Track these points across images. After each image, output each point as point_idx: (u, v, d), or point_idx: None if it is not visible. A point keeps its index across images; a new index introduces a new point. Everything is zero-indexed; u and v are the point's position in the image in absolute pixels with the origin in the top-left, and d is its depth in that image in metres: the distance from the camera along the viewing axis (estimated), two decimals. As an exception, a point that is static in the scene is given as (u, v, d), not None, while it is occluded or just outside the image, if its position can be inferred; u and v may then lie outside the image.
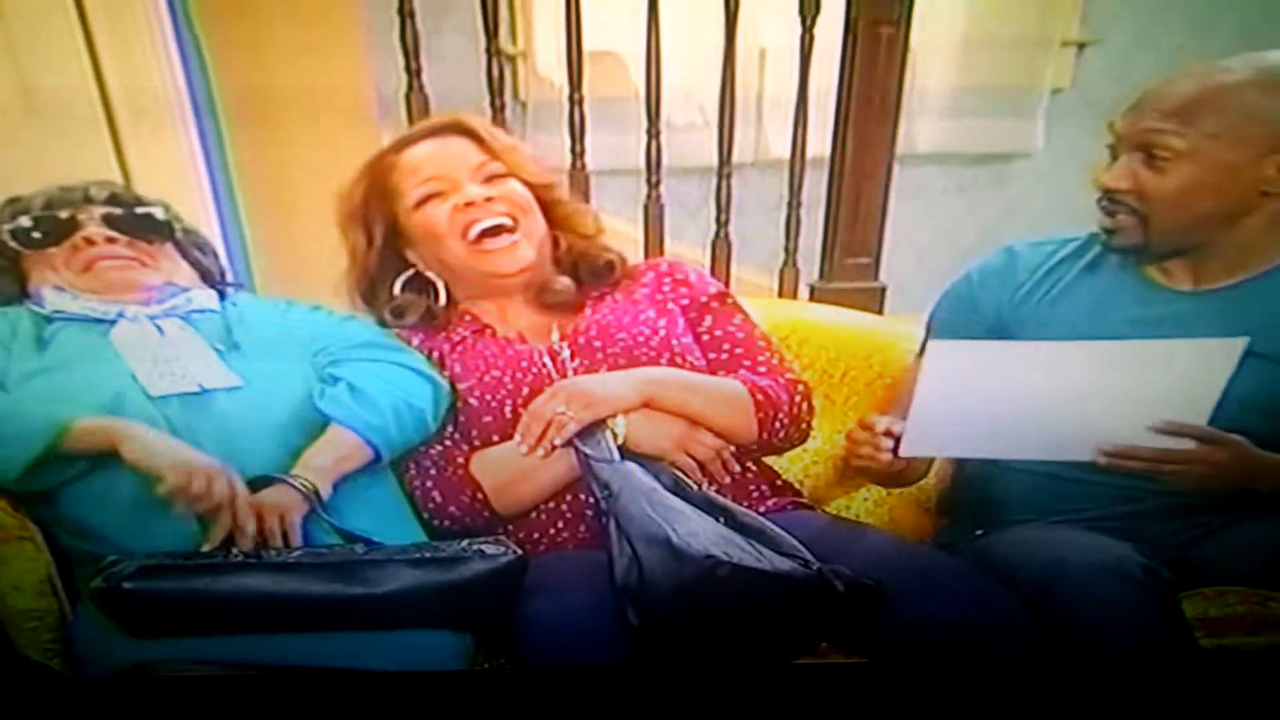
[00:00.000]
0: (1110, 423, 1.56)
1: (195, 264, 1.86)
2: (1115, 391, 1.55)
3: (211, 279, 1.88)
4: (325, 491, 1.58)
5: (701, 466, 1.74)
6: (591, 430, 1.67)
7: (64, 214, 1.76)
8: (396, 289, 1.89)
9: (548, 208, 1.89)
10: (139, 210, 1.80)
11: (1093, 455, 1.57)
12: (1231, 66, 1.61)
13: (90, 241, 1.74)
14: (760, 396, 1.79)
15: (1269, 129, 1.58)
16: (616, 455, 1.65)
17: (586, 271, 1.93)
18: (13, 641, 1.48)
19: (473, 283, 1.87)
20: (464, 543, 1.52)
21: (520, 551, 1.51)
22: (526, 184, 1.86)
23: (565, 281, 1.89)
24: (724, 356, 1.88)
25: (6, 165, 1.83)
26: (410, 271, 1.89)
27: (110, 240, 1.76)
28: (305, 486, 1.55)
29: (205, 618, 1.39)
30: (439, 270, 1.88)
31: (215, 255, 1.96)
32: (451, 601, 1.48)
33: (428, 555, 1.49)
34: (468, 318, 1.89)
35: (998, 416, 1.59)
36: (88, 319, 1.69)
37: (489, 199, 1.79)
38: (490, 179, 1.82)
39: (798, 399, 1.84)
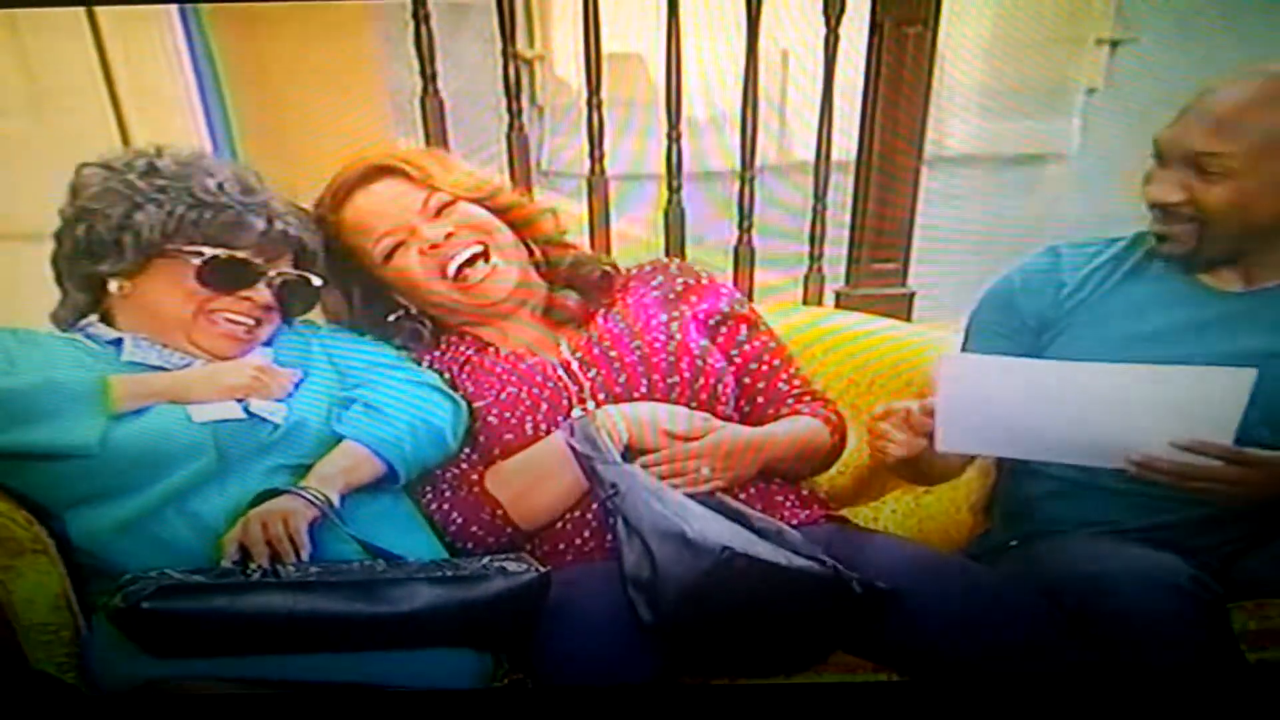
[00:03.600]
0: (1134, 438, 1.57)
1: None
2: (1133, 411, 1.57)
3: None
4: (334, 500, 1.60)
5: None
6: (588, 432, 1.68)
7: (257, 260, 1.72)
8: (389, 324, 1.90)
9: (502, 215, 1.89)
10: (313, 283, 1.80)
11: (1122, 463, 1.58)
12: (1274, 73, 1.62)
13: (247, 299, 1.72)
14: (833, 432, 1.89)
15: None
16: (617, 457, 1.66)
17: (583, 286, 1.94)
18: (28, 656, 1.50)
19: (467, 314, 1.89)
20: (485, 560, 1.54)
21: (542, 569, 1.52)
22: (474, 201, 1.86)
23: (573, 299, 1.91)
24: (759, 373, 1.92)
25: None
26: (400, 311, 1.91)
27: (266, 306, 1.75)
28: (316, 498, 1.57)
29: (224, 637, 1.41)
30: (431, 309, 1.90)
31: None
32: (472, 620, 1.49)
33: (449, 573, 1.51)
34: (469, 338, 1.90)
35: (1020, 425, 1.62)
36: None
37: (450, 234, 1.80)
38: (440, 211, 1.83)
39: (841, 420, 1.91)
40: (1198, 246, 1.72)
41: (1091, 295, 1.85)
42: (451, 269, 1.81)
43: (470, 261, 1.81)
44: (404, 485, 1.75)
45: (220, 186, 1.67)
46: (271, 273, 1.73)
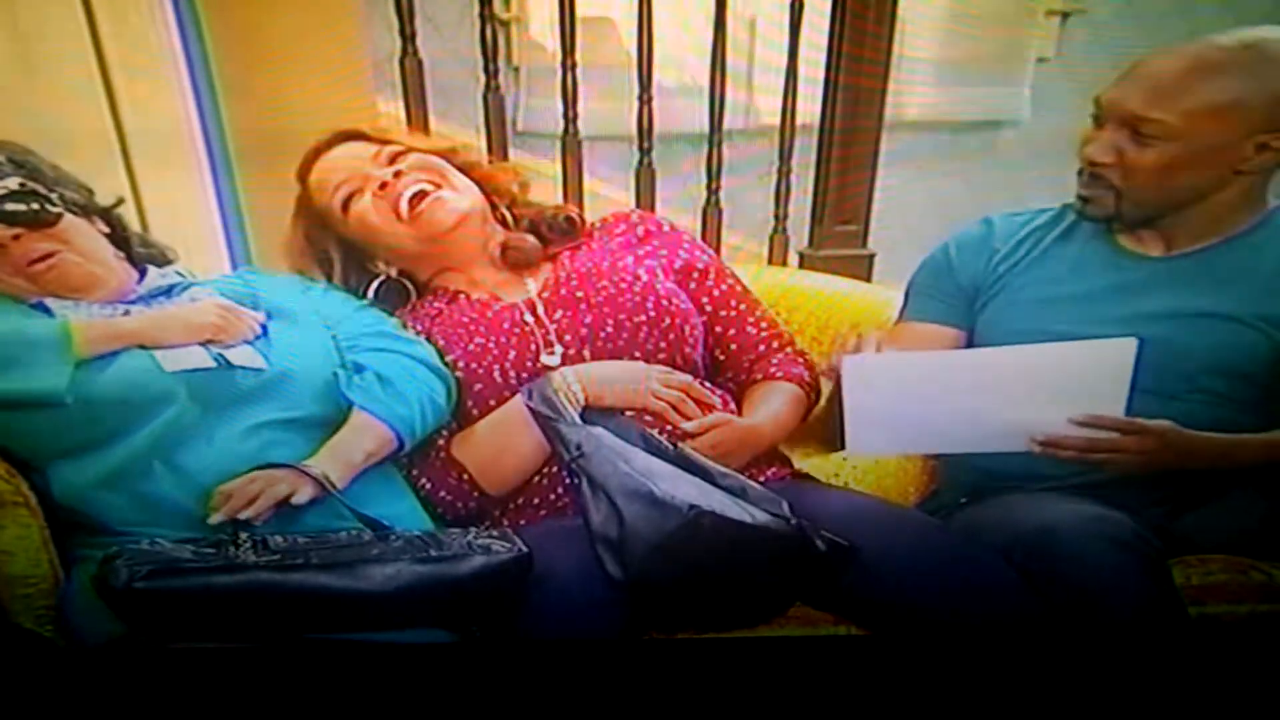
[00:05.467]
0: (1035, 418, 1.57)
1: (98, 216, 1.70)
2: (1030, 391, 1.56)
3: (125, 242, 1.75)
4: (343, 482, 1.55)
5: (674, 408, 1.72)
6: (546, 394, 1.64)
7: None
8: (370, 296, 1.85)
9: (464, 172, 1.85)
10: (11, 187, 1.58)
11: (1027, 446, 1.58)
12: (1217, 46, 1.61)
13: (2, 246, 1.56)
14: (809, 392, 1.88)
15: (1251, 110, 1.59)
16: (576, 418, 1.62)
17: (548, 229, 1.90)
18: (6, 608, 1.45)
19: (430, 258, 1.84)
20: (469, 537, 1.49)
21: (524, 549, 1.47)
22: (430, 153, 1.83)
23: (530, 239, 1.86)
24: (729, 320, 1.90)
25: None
26: (380, 279, 1.86)
27: (16, 238, 1.56)
28: (321, 478, 1.52)
29: (213, 618, 1.35)
30: (398, 261, 1.85)
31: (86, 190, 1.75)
32: (453, 598, 1.43)
33: (432, 553, 1.44)
34: (438, 290, 1.86)
35: (925, 418, 1.61)
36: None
37: (398, 173, 1.76)
38: (393, 159, 1.79)
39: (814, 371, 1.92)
40: (1116, 210, 1.71)
41: (1022, 261, 1.87)
42: (403, 205, 1.75)
43: (420, 196, 1.76)
44: None
45: None
46: None
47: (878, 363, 1.67)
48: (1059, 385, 1.55)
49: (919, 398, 1.59)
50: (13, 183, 1.57)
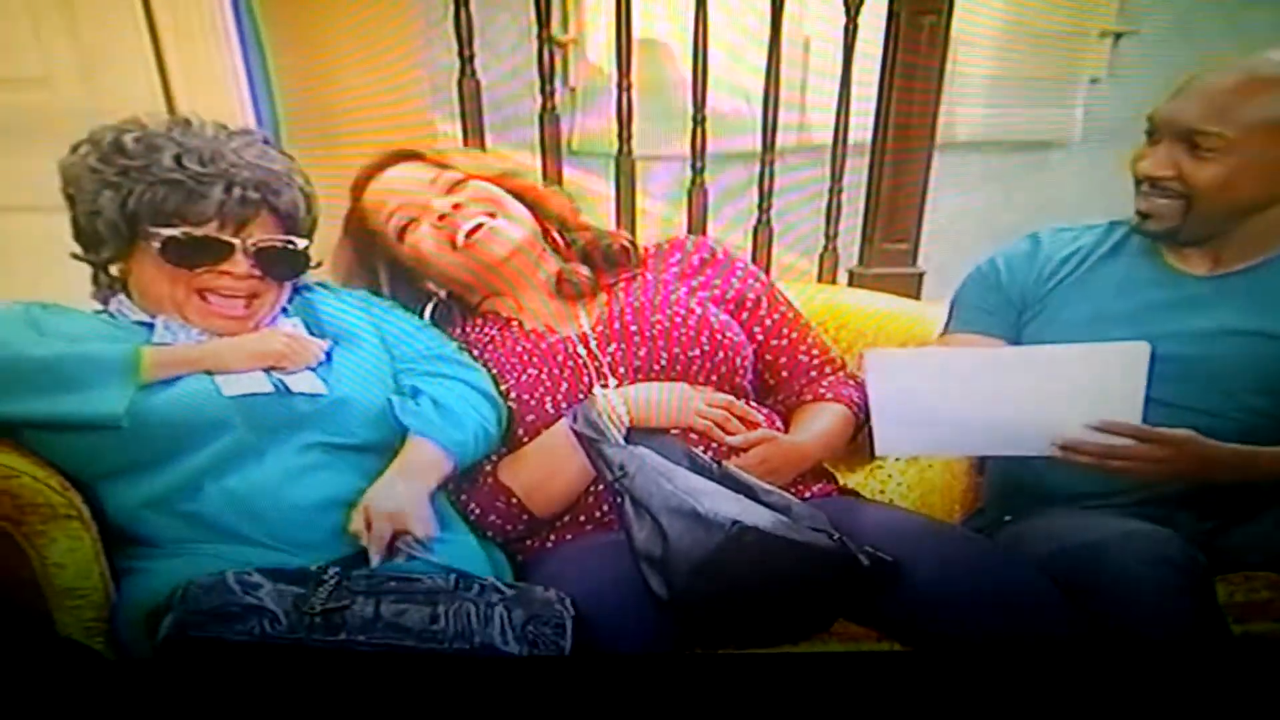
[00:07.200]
0: (1053, 421, 1.52)
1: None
2: (1047, 393, 1.52)
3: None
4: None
5: (718, 426, 1.69)
6: (590, 417, 1.61)
7: (221, 234, 1.54)
8: (426, 318, 1.82)
9: (518, 197, 1.82)
10: (296, 246, 1.61)
11: (1049, 451, 1.53)
12: (1272, 62, 1.60)
13: (226, 273, 1.56)
14: (858, 412, 1.83)
15: None
16: (620, 439, 1.60)
17: (602, 258, 1.86)
18: (55, 620, 1.43)
19: (482, 284, 1.81)
20: (531, 626, 1.37)
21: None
22: (487, 180, 1.79)
23: (584, 271, 1.83)
24: (780, 348, 1.88)
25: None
26: (433, 302, 1.83)
27: (249, 276, 1.57)
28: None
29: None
30: (448, 285, 1.83)
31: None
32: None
33: (478, 641, 1.34)
34: (490, 316, 1.83)
35: (947, 417, 1.57)
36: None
37: (457, 205, 1.73)
38: (451, 188, 1.76)
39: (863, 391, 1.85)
40: (1180, 224, 1.70)
41: (1069, 277, 1.85)
42: (460, 238, 1.72)
43: (476, 229, 1.73)
44: None
45: (178, 160, 1.50)
46: (246, 241, 1.55)
47: (898, 357, 1.69)
48: (1074, 388, 1.50)
49: (940, 394, 1.54)
50: (301, 242, 1.60)
